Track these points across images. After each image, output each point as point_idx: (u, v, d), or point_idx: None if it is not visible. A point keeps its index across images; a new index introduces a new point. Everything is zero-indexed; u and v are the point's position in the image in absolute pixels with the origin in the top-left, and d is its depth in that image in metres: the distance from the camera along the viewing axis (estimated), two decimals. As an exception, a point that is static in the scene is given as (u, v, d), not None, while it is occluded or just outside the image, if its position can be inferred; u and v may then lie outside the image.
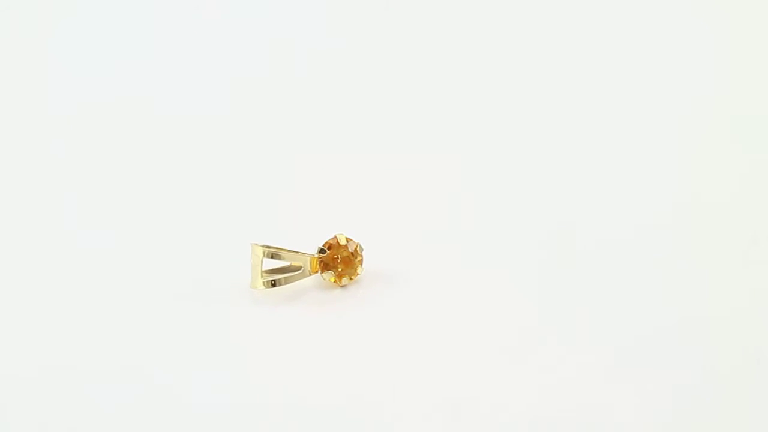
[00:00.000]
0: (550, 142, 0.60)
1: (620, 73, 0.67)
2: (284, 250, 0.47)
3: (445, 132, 0.61)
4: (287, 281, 0.47)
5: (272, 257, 0.47)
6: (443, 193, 0.55)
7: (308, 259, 0.47)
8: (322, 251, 0.47)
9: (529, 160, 0.58)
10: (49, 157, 0.59)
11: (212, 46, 0.70)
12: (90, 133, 0.62)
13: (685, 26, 0.72)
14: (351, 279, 0.47)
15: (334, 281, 0.47)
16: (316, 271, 0.47)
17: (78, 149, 0.60)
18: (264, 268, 0.47)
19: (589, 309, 0.45)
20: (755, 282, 0.47)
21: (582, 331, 0.44)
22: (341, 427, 0.39)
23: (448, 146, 0.60)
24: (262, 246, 0.47)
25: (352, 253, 0.47)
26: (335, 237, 0.47)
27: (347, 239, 0.47)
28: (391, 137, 0.61)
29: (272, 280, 0.47)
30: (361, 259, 0.47)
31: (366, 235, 0.48)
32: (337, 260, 0.47)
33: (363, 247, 0.47)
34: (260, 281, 0.46)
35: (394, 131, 0.61)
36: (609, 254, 0.49)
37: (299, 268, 0.47)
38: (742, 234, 0.51)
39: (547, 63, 0.69)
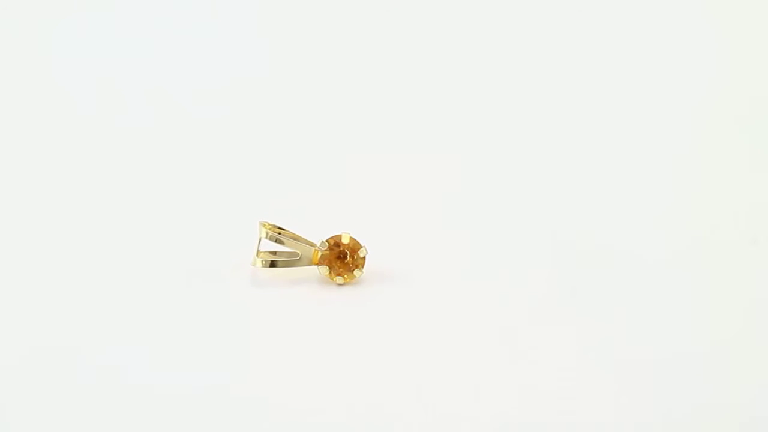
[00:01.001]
0: (553, 142, 0.60)
1: (623, 73, 0.67)
2: (289, 236, 0.47)
3: (450, 132, 0.61)
4: (285, 265, 0.47)
5: (276, 242, 0.47)
6: (447, 193, 0.55)
7: (311, 250, 0.47)
8: (324, 245, 0.47)
9: (532, 160, 0.58)
10: (69, 139, 0.60)
11: (228, 43, 0.70)
12: (106, 117, 0.62)
13: (697, 29, 0.72)
14: (346, 280, 0.47)
15: (330, 277, 0.47)
16: (317, 264, 0.47)
17: (95, 133, 0.60)
18: (270, 249, 0.47)
19: (592, 310, 0.45)
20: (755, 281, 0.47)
21: (585, 333, 0.44)
22: (335, 426, 0.39)
23: (453, 146, 0.59)
24: (268, 227, 0.47)
25: (353, 254, 0.47)
26: (341, 235, 0.47)
27: (352, 239, 0.47)
28: (398, 137, 0.60)
29: (270, 261, 0.47)
30: (363, 263, 0.47)
31: (369, 233, 0.48)
32: (339, 258, 0.47)
33: (368, 251, 0.47)
34: (257, 259, 0.47)
35: (401, 131, 0.61)
36: (609, 254, 0.49)
37: (300, 255, 0.47)
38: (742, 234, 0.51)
39: (554, 63, 0.68)
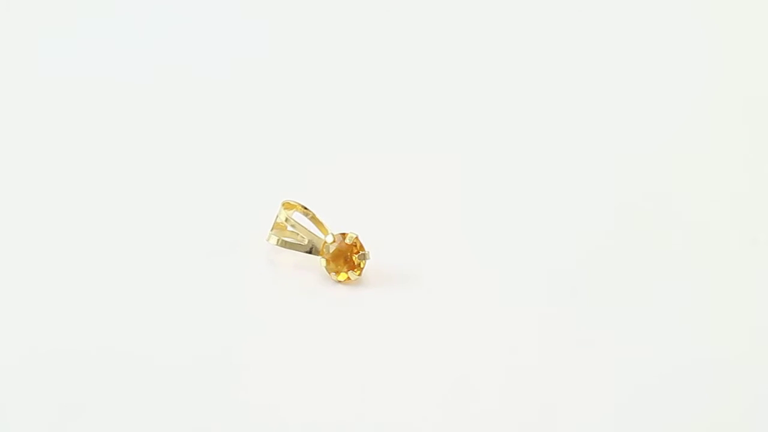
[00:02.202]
0: (558, 142, 0.58)
1: (626, 70, 0.67)
2: (310, 218, 0.48)
3: (456, 131, 0.59)
4: (294, 248, 0.48)
5: (293, 226, 0.48)
6: (451, 193, 0.54)
7: (321, 242, 0.48)
8: (330, 239, 0.47)
9: (537, 160, 0.56)
10: (87, 118, 0.60)
11: (256, 31, 0.70)
12: (127, 95, 0.62)
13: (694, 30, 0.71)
14: (341, 278, 0.47)
15: (327, 271, 0.47)
16: (321, 255, 0.47)
17: (114, 113, 0.61)
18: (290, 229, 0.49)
19: (597, 310, 0.45)
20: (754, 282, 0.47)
21: (592, 333, 0.44)
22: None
23: (458, 146, 0.58)
24: (298, 207, 0.48)
25: (354, 256, 0.47)
26: (347, 234, 0.47)
27: (357, 241, 0.47)
28: (407, 136, 0.60)
29: (282, 240, 0.48)
30: (362, 267, 0.47)
31: (380, 233, 0.49)
32: (341, 256, 0.47)
33: (369, 257, 0.47)
34: (271, 235, 0.48)
35: (409, 130, 0.60)
36: (609, 251, 0.49)
37: (307, 241, 0.48)
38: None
39: (561, 61, 0.67)
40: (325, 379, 0.42)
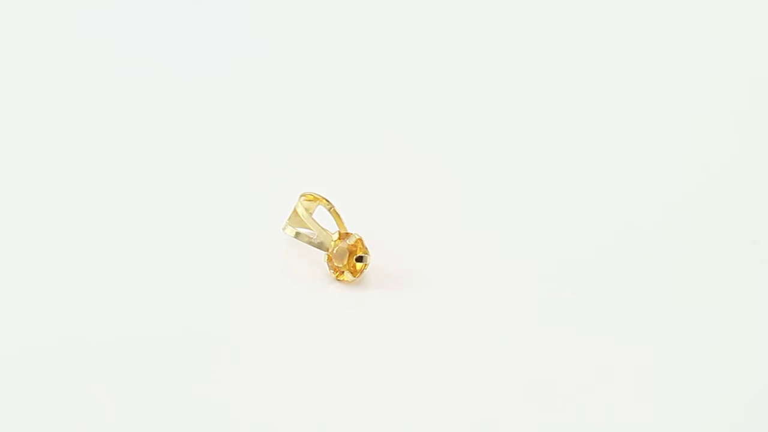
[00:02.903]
0: (561, 141, 0.57)
1: (629, 70, 0.66)
2: (328, 210, 0.48)
3: (460, 133, 0.58)
4: (306, 240, 0.49)
5: (303, 218, 0.49)
6: (455, 193, 0.54)
7: (329, 239, 0.48)
8: (336, 236, 0.48)
9: (542, 161, 0.56)
10: (108, 108, 0.61)
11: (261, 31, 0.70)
12: (153, 89, 0.63)
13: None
14: (337, 277, 0.48)
15: (326, 263, 0.48)
16: (327, 250, 0.48)
17: (141, 105, 0.61)
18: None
19: (601, 311, 0.46)
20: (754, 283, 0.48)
21: (596, 335, 0.44)
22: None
23: (461, 147, 0.58)
24: (307, 202, 0.49)
25: (353, 257, 0.47)
26: (351, 235, 0.48)
27: (359, 242, 0.48)
28: (410, 137, 0.59)
29: (296, 232, 0.49)
30: (359, 272, 0.47)
31: (377, 233, 0.49)
32: (345, 257, 0.48)
33: (369, 262, 0.47)
34: (287, 225, 0.49)
35: (412, 131, 0.59)
36: (611, 252, 0.49)
37: (317, 236, 0.49)
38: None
39: (565, 61, 0.66)
40: (322, 376, 0.43)
